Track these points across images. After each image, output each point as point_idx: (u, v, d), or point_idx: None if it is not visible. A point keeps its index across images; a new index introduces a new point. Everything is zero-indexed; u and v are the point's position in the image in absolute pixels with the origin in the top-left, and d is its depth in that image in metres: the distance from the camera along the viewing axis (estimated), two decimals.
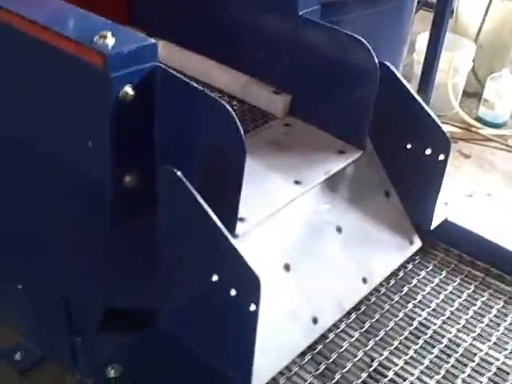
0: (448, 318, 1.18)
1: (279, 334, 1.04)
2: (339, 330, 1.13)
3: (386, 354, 1.10)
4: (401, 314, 1.18)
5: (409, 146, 1.26)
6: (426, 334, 1.14)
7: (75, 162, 0.97)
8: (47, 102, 0.97)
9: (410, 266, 1.29)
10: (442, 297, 1.23)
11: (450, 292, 1.24)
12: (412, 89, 1.22)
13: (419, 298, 1.22)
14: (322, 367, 1.06)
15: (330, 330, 1.12)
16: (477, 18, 2.99)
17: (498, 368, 1.10)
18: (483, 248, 1.31)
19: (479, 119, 2.89)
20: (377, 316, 1.17)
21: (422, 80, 2.12)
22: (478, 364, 1.10)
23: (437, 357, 1.10)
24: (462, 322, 1.18)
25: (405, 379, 1.06)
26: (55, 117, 0.97)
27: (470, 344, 1.14)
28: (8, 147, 1.10)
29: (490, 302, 1.23)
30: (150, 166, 0.93)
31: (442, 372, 1.08)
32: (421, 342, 1.13)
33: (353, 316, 1.16)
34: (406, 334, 1.14)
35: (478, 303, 1.22)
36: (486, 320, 1.19)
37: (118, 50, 0.85)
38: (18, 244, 1.21)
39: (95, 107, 0.89)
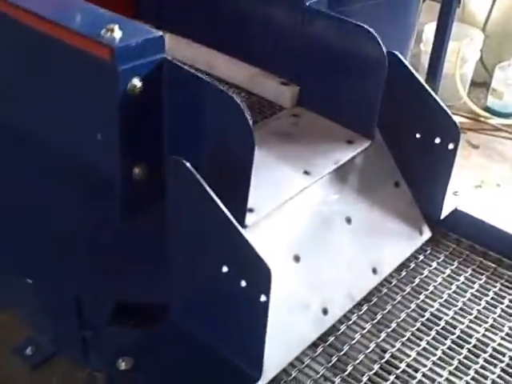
0: (460, 308, 1.17)
1: (289, 325, 1.03)
2: (351, 321, 1.12)
3: (398, 345, 1.09)
4: (413, 306, 1.17)
5: (418, 136, 1.25)
6: (439, 325, 1.13)
7: (84, 155, 0.97)
8: (55, 96, 0.97)
9: (421, 257, 1.28)
10: (453, 287, 1.22)
11: (462, 283, 1.23)
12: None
13: (431, 288, 1.21)
14: (334, 359, 1.05)
15: (341, 322, 1.11)
16: (484, 6, 2.96)
17: (511, 358, 1.09)
18: (495, 238, 1.30)
19: (487, 109, 2.87)
20: (388, 307, 1.16)
21: (430, 70, 2.11)
22: (491, 355, 1.09)
23: (449, 348, 1.09)
24: (475, 312, 1.17)
25: (417, 370, 1.05)
26: (63, 111, 0.97)
27: (483, 335, 1.13)
28: (17, 142, 1.10)
29: (502, 293, 1.22)
30: (159, 157, 0.93)
31: (455, 363, 1.07)
32: (433, 333, 1.12)
33: (364, 308, 1.15)
34: (418, 325, 1.13)
35: (491, 294, 1.21)
36: (498, 311, 1.18)
37: (126, 43, 0.85)
38: (28, 238, 1.21)
39: (103, 100, 0.89)
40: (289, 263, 1.08)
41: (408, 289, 1.20)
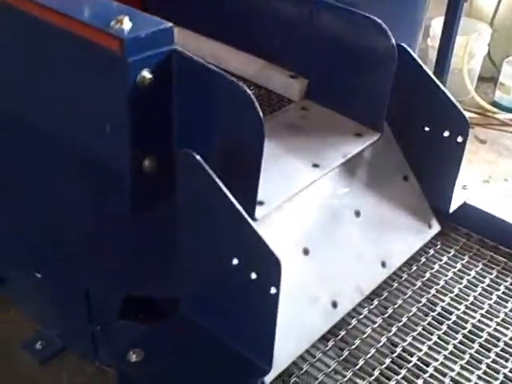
0: (471, 303, 1.16)
1: (299, 317, 1.03)
2: (361, 316, 1.11)
3: (409, 339, 1.08)
4: (423, 300, 1.16)
5: (427, 129, 1.25)
6: (450, 320, 1.13)
7: (94, 147, 0.97)
8: (64, 88, 0.96)
9: (431, 252, 1.27)
10: (464, 282, 1.21)
11: (473, 277, 1.22)
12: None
13: (441, 283, 1.20)
14: (345, 353, 1.04)
15: (352, 316, 1.10)
16: (492, 1, 2.94)
17: None
18: (506, 232, 1.29)
19: (495, 104, 2.85)
20: (399, 302, 1.15)
21: (437, 65, 2.09)
22: (502, 349, 1.08)
23: (460, 342, 1.09)
24: (486, 307, 1.16)
25: (428, 365, 1.04)
26: (72, 103, 0.97)
27: (494, 329, 1.12)
28: (26, 134, 1.10)
29: None
30: (169, 150, 0.92)
31: (466, 357, 1.06)
32: (444, 327, 1.11)
33: (375, 302, 1.14)
34: (428, 319, 1.12)
35: (502, 288, 1.20)
36: (509, 305, 1.17)
37: (135, 35, 0.84)
38: (37, 233, 1.21)
39: (113, 92, 0.88)
40: (298, 256, 1.08)
41: (419, 283, 1.20)
